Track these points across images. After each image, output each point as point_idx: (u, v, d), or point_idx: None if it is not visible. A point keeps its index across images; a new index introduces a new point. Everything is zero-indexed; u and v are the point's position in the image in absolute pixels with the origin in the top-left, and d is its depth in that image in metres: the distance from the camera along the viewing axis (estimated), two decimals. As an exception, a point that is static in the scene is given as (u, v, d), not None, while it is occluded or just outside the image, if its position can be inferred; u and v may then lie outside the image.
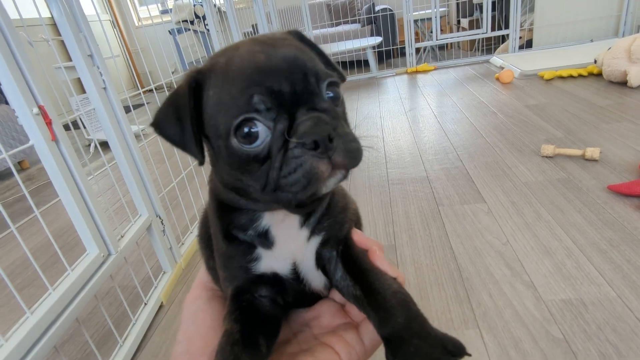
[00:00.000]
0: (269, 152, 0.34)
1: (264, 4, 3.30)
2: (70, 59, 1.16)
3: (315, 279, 0.44)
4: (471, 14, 4.96)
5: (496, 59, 3.96)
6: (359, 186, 1.94)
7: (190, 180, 1.85)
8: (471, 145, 2.17)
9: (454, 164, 1.99)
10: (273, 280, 0.43)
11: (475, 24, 4.72)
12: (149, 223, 1.37)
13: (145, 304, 1.32)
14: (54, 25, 1.13)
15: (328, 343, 0.42)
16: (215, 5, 2.36)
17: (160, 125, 0.38)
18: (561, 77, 3.08)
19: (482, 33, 4.17)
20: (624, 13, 3.67)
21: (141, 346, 1.20)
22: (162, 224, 1.44)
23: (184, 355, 0.41)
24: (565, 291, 1.10)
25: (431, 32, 4.31)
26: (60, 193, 1.02)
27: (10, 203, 2.60)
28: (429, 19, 4.31)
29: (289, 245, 0.42)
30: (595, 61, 2.84)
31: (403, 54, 4.59)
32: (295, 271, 0.43)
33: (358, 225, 0.50)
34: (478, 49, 4.79)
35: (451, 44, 5.35)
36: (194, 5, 5.06)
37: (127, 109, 1.34)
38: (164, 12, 5.45)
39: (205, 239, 0.48)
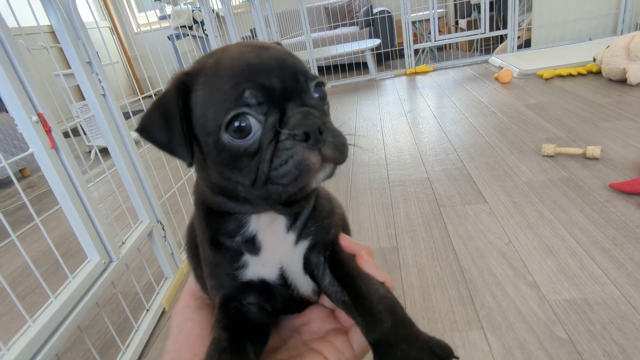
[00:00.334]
0: (260, 146, 0.34)
1: (262, 8, 3.30)
2: (69, 67, 1.16)
3: (304, 284, 0.44)
4: (469, 15, 4.97)
5: (495, 59, 3.96)
6: (359, 188, 1.93)
7: (191, 185, 1.85)
8: (471, 145, 2.17)
9: (454, 164, 1.99)
10: (261, 287, 0.42)
11: (473, 25, 4.73)
12: (150, 229, 1.36)
13: (148, 310, 1.31)
14: (53, 33, 1.13)
15: (318, 349, 0.41)
16: (213, 11, 2.37)
17: (146, 129, 0.38)
18: (560, 76, 3.08)
19: (481, 33, 4.17)
20: (621, 11, 3.67)
21: (144, 353, 1.19)
22: (163, 229, 1.43)
23: None
24: (569, 291, 1.10)
25: (429, 33, 4.31)
26: (60, 201, 1.02)
27: (12, 211, 2.60)
28: (427, 20, 4.32)
29: (276, 250, 0.42)
30: (595, 59, 2.84)
31: (402, 55, 4.59)
32: (283, 277, 0.43)
33: (345, 230, 0.50)
34: (476, 50, 4.79)
35: (450, 44, 5.36)
36: (192, 11, 5.08)
37: (126, 115, 1.34)
38: (163, 18, 5.47)
39: (193, 248, 0.48)
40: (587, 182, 1.58)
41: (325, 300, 0.46)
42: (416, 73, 4.31)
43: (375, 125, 2.85)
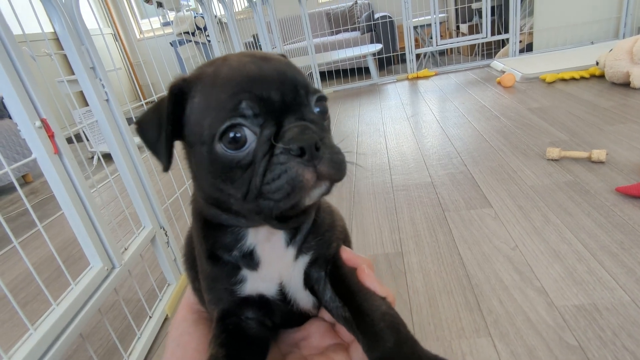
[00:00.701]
0: (254, 159, 0.33)
1: (264, 13, 3.32)
2: (72, 73, 1.16)
3: (303, 299, 0.43)
4: (470, 20, 4.98)
5: (497, 63, 3.96)
6: (362, 193, 1.92)
7: (194, 191, 1.84)
8: (475, 149, 2.16)
9: (458, 168, 1.97)
10: (259, 302, 0.41)
11: (474, 29, 4.74)
12: (152, 235, 1.35)
13: (150, 317, 1.30)
14: (56, 40, 1.13)
15: None
16: (215, 17, 2.37)
17: (141, 126, 0.38)
18: (563, 80, 3.07)
19: (482, 38, 4.18)
20: (623, 15, 3.67)
21: (146, 360, 1.18)
22: (166, 235, 1.42)
23: None
24: (577, 296, 1.08)
25: (431, 38, 4.32)
26: (63, 206, 1.01)
27: (14, 217, 2.59)
28: (429, 25, 4.33)
29: (275, 266, 0.41)
30: (597, 63, 2.83)
31: (403, 60, 4.60)
32: (282, 292, 0.42)
33: (346, 242, 0.48)
34: (478, 54, 4.80)
35: (451, 49, 5.37)
36: (195, 17, 5.11)
37: (129, 121, 1.34)
38: (166, 24, 5.50)
39: (191, 260, 0.47)
40: (593, 186, 1.57)
41: (325, 313, 0.45)
42: (418, 78, 4.31)
43: (377, 130, 2.84)
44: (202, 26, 5.06)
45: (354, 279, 0.41)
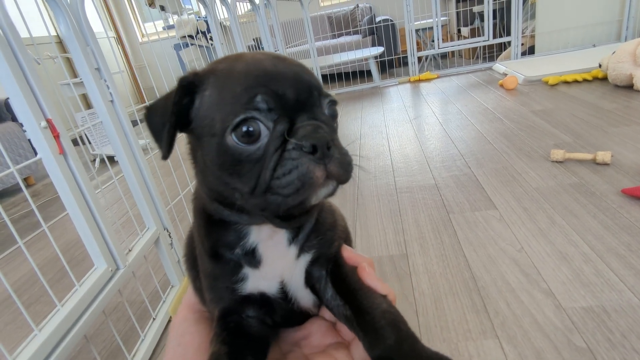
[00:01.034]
0: (265, 153, 0.33)
1: (267, 17, 3.33)
2: (75, 76, 1.16)
3: (304, 297, 0.43)
4: (472, 23, 4.99)
5: (499, 66, 3.96)
6: (366, 195, 1.92)
7: (197, 193, 1.83)
8: (479, 151, 2.15)
9: (462, 170, 1.97)
10: (260, 300, 0.41)
11: (476, 33, 4.74)
12: (156, 236, 1.35)
13: (154, 318, 1.29)
14: (60, 43, 1.13)
15: None
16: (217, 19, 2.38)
17: (149, 113, 0.39)
18: (566, 82, 3.07)
19: (484, 40, 4.18)
20: (625, 18, 3.68)
21: (150, 363, 1.17)
22: (170, 237, 1.42)
23: None
24: (585, 298, 1.07)
25: (433, 41, 4.33)
26: (68, 207, 1.01)
27: (16, 220, 2.59)
28: (430, 28, 4.34)
29: (276, 264, 0.41)
30: (600, 65, 2.83)
31: (405, 63, 4.61)
32: (283, 290, 0.42)
33: (347, 241, 0.49)
34: (480, 57, 4.80)
35: (452, 52, 5.37)
36: (197, 21, 5.13)
37: (133, 123, 1.34)
38: (171, 27, 5.52)
39: (192, 259, 0.47)
40: (599, 188, 1.56)
41: (325, 312, 0.45)
42: (420, 80, 4.32)
43: (380, 132, 2.84)
44: (203, 30, 5.08)
45: (354, 278, 0.41)
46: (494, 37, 4.15)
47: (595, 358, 0.91)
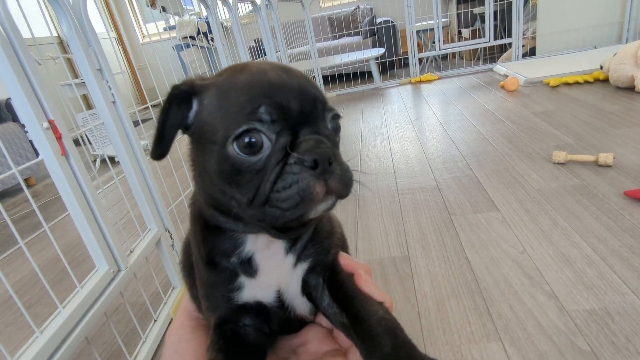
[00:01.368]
0: (265, 165, 0.33)
1: (268, 18, 3.33)
2: (75, 77, 1.16)
3: (301, 305, 0.43)
4: (472, 24, 4.99)
5: (500, 67, 3.96)
6: (368, 196, 1.91)
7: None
8: (480, 153, 2.15)
9: (464, 172, 1.97)
10: (257, 309, 0.41)
11: (477, 34, 4.75)
12: (158, 237, 1.34)
13: (155, 320, 1.29)
14: (60, 43, 1.13)
15: None
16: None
17: (160, 110, 0.39)
18: (567, 84, 3.07)
19: (485, 42, 4.18)
20: (626, 19, 3.68)
21: (151, 365, 1.16)
22: (171, 238, 1.41)
23: None
24: (588, 301, 1.07)
25: (433, 42, 4.33)
26: (69, 207, 1.00)
27: (16, 220, 2.59)
28: (431, 30, 4.34)
29: (273, 273, 0.41)
30: (602, 67, 2.83)
31: (406, 64, 4.61)
32: (280, 299, 0.41)
33: (344, 248, 0.48)
34: (480, 58, 4.80)
35: (453, 53, 5.38)
36: (198, 21, 5.13)
37: (135, 124, 1.34)
38: (172, 28, 5.52)
39: (188, 267, 0.47)
40: (601, 190, 1.56)
41: (322, 319, 0.45)
42: (421, 82, 4.32)
43: (381, 134, 2.84)
44: (204, 31, 5.08)
45: (351, 285, 0.41)
46: (495, 38, 4.15)
47: (599, 361, 0.90)
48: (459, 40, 5.21)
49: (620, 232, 1.30)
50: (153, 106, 1.59)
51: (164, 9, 4.19)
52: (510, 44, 4.11)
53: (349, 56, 4.50)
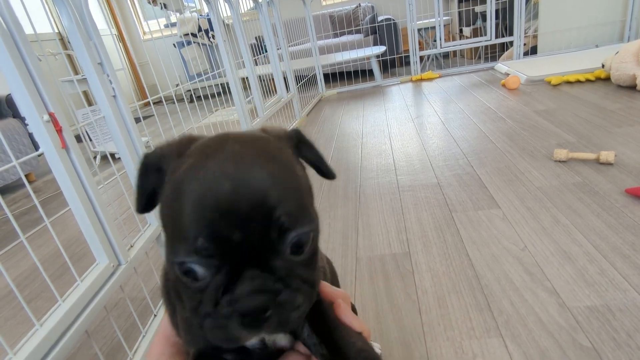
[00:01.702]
0: (204, 291, 0.32)
1: (269, 15, 3.32)
2: (76, 73, 1.16)
3: (282, 339, 0.43)
4: (474, 23, 4.98)
5: (501, 66, 3.95)
6: (368, 193, 1.91)
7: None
8: (481, 151, 2.15)
9: (464, 169, 1.96)
10: (237, 347, 0.41)
11: (478, 33, 4.74)
12: (158, 232, 1.34)
13: (155, 315, 1.28)
14: (61, 40, 1.12)
15: None
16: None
17: (136, 174, 0.40)
18: (568, 82, 3.06)
19: (487, 40, 4.18)
20: (628, 18, 3.67)
21: (151, 359, 1.16)
22: (172, 233, 1.41)
23: None
24: (589, 297, 1.06)
25: (434, 40, 4.32)
26: (70, 202, 1.00)
27: (17, 216, 2.59)
28: (432, 28, 4.33)
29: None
30: (603, 65, 2.82)
31: (407, 62, 4.60)
32: (263, 341, 0.42)
33: (327, 279, 0.49)
34: (482, 57, 4.80)
35: (454, 52, 5.37)
36: (199, 19, 5.12)
37: (136, 120, 1.33)
38: (174, 24, 5.51)
39: (167, 294, 0.45)
40: (602, 188, 1.56)
41: (301, 346, 0.45)
42: (422, 80, 4.31)
43: (382, 131, 2.84)
44: (204, 28, 5.08)
45: (331, 316, 0.41)
46: (496, 37, 4.15)
47: (600, 357, 0.90)
48: (460, 39, 5.20)
49: (621, 229, 1.30)
50: (154, 103, 1.59)
51: (164, 6, 4.18)
52: (511, 43, 4.11)
53: (350, 54, 4.50)
